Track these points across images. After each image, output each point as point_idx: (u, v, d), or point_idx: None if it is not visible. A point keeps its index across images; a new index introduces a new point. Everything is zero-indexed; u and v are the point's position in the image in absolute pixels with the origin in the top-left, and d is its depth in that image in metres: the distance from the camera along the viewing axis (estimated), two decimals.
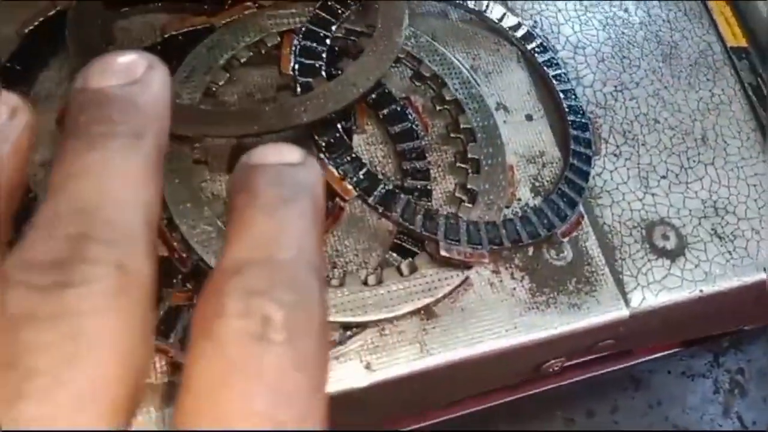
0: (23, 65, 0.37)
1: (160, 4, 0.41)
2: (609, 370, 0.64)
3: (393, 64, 0.39)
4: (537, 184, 0.41)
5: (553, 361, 0.43)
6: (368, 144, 0.40)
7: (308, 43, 0.38)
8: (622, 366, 0.65)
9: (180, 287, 0.33)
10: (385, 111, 0.39)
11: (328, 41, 0.38)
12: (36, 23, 0.38)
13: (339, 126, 0.36)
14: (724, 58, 0.51)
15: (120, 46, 0.38)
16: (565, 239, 0.39)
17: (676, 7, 0.52)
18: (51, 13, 0.39)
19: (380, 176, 0.37)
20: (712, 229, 0.43)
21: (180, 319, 0.32)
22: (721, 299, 0.41)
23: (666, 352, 0.69)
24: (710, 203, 0.44)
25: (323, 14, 0.39)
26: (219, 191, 0.36)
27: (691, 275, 0.41)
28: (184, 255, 0.33)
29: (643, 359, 0.68)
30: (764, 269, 0.42)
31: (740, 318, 0.49)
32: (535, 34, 0.46)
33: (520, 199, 0.41)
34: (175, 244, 0.33)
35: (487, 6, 0.46)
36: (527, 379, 0.45)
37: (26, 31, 0.38)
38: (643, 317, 0.39)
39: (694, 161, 0.45)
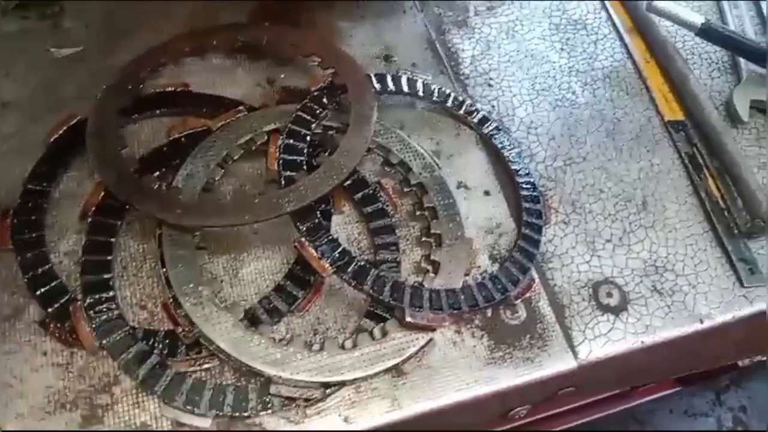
0: (50, 167, 0.44)
1: (165, 110, 0.48)
2: (612, 411, 0.68)
3: (365, 154, 0.46)
4: (494, 252, 0.47)
5: (518, 409, 0.48)
6: (346, 223, 0.46)
7: (291, 141, 0.44)
8: (624, 407, 0.69)
9: (183, 356, 0.39)
10: (360, 194, 0.46)
11: (308, 138, 0.45)
12: (60, 131, 0.45)
13: (318, 212, 0.43)
14: (662, 131, 0.57)
15: (130, 148, 0.45)
16: (519, 301, 0.45)
17: (618, 87, 0.60)
18: (73, 122, 0.46)
19: (354, 253, 0.43)
20: (653, 286, 0.49)
21: (184, 383, 0.37)
22: (662, 348, 0.46)
23: (667, 392, 0.73)
24: (651, 262, 0.50)
25: (304, 115, 0.46)
26: (217, 272, 0.42)
27: (633, 328, 0.47)
28: (187, 329, 0.39)
29: (645, 399, 0.72)
30: (700, 320, 0.48)
31: (688, 363, 0.54)
32: (491, 119, 0.53)
33: (479, 266, 0.47)
34: (179, 319, 0.39)
35: (448, 96, 0.53)
36: (497, 424, 0.50)
37: (52, 139, 0.45)
38: (591, 367, 0.45)
39: (635, 225, 0.51)
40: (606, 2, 0.66)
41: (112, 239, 0.41)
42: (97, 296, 0.39)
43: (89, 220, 0.41)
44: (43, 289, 0.38)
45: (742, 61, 0.62)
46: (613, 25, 0.64)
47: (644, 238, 0.51)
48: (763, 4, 0.68)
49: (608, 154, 0.55)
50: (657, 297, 0.48)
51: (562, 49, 0.61)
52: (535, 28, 0.62)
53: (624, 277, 0.49)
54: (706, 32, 0.60)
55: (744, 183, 0.53)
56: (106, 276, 0.40)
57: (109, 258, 0.40)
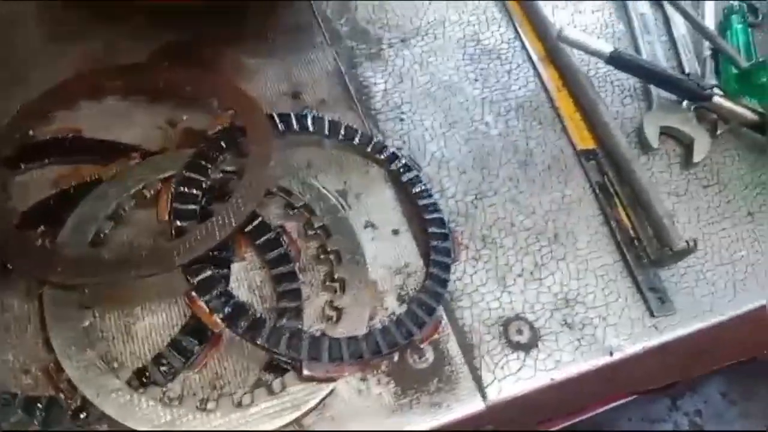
0: None
1: (56, 158, 0.46)
2: (569, 423, 0.67)
3: (263, 198, 0.45)
4: (402, 293, 0.47)
5: None
6: (247, 270, 0.45)
7: (183, 189, 0.43)
8: (581, 418, 0.68)
9: (68, 424, 0.36)
10: (261, 240, 0.45)
11: (204, 185, 0.44)
12: None
13: (212, 263, 0.41)
14: (574, 160, 0.58)
15: (16, 200, 0.43)
16: (426, 343, 0.44)
17: (531, 117, 0.60)
18: None
19: (255, 303, 0.42)
20: (563, 320, 0.49)
21: None
22: (573, 384, 0.46)
23: (624, 400, 0.72)
24: (561, 296, 0.50)
25: (199, 160, 0.45)
26: (108, 331, 0.40)
27: (543, 365, 0.46)
28: (70, 395, 0.36)
29: (603, 409, 0.71)
30: (610, 353, 0.48)
31: (603, 394, 0.55)
32: (400, 155, 0.53)
33: (387, 308, 0.46)
34: (61, 384, 0.37)
35: (356, 133, 0.52)
36: None
37: None
38: (501, 408, 0.44)
39: (547, 258, 0.51)
40: (520, 31, 0.66)
41: None
42: None
43: None
44: None
45: (653, 87, 0.63)
46: (527, 54, 0.65)
47: (555, 271, 0.51)
48: (674, 30, 0.69)
49: (520, 186, 0.55)
50: (567, 331, 0.48)
51: (476, 80, 0.61)
52: (449, 59, 0.62)
53: (535, 312, 0.49)
54: (615, 60, 0.61)
55: (653, 210, 0.54)
56: None
57: None
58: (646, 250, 0.53)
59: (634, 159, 0.57)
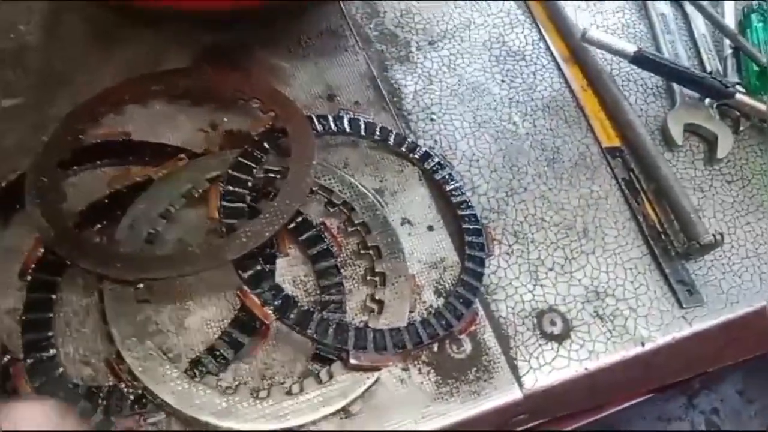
0: None
1: (106, 160, 0.48)
2: (585, 422, 0.69)
3: (309, 195, 0.47)
4: (439, 286, 0.48)
5: None
6: (291, 265, 0.47)
7: (231, 188, 0.45)
8: (596, 417, 0.70)
9: (129, 411, 0.38)
10: (304, 236, 0.47)
11: (249, 184, 0.46)
12: (1, 186, 0.45)
13: (261, 258, 0.43)
14: (600, 157, 0.59)
15: (71, 201, 0.45)
16: (464, 335, 0.46)
17: (557, 116, 0.61)
18: (12, 178, 0.46)
19: (300, 296, 0.44)
20: (595, 312, 0.50)
21: None
22: (605, 374, 0.48)
23: (640, 399, 0.74)
24: (592, 288, 0.51)
25: (244, 161, 0.47)
26: (163, 323, 0.42)
27: (576, 355, 0.48)
28: (131, 384, 0.39)
29: (618, 408, 0.72)
30: (641, 344, 0.49)
31: (632, 386, 0.56)
32: (433, 154, 0.54)
33: (425, 302, 0.47)
34: (122, 374, 0.39)
35: (390, 133, 0.54)
36: None
37: None
38: (538, 396, 0.46)
39: (577, 252, 0.53)
40: (543, 32, 0.68)
41: (53, 296, 0.41)
42: (38, 355, 0.39)
43: (28, 278, 0.41)
44: None
45: (675, 85, 0.64)
46: (552, 55, 0.66)
47: (585, 265, 0.52)
48: (695, 29, 0.71)
49: (549, 183, 0.57)
50: (599, 322, 0.50)
51: (502, 81, 0.63)
52: (476, 61, 0.64)
53: (567, 304, 0.50)
54: (639, 60, 0.63)
55: (679, 206, 0.55)
56: (47, 334, 0.39)
57: (50, 315, 0.40)
58: (673, 243, 0.54)
59: (659, 156, 0.59)
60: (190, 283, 0.44)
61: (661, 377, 0.55)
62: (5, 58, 0.55)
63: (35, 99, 0.53)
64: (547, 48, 0.67)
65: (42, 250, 0.42)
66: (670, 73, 0.64)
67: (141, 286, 0.41)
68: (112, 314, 0.40)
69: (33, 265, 0.42)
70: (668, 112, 0.63)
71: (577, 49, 0.66)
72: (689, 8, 0.72)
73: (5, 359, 0.39)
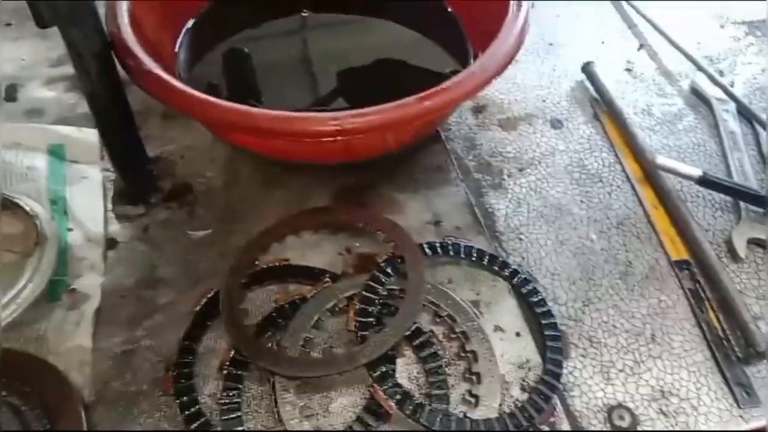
0: (195, 331, 0.62)
1: (272, 281, 0.65)
2: None
3: (420, 311, 0.61)
4: (524, 384, 0.60)
5: None
6: (407, 364, 0.61)
7: (363, 307, 0.60)
8: None
9: None
10: (417, 341, 0.61)
11: (377, 302, 0.61)
12: (201, 303, 0.64)
13: (385, 360, 0.58)
14: (669, 270, 0.69)
15: (252, 313, 0.63)
16: (544, 425, 0.57)
17: (630, 231, 0.72)
18: (210, 295, 0.64)
19: (413, 390, 0.58)
20: (659, 409, 0.60)
21: None
22: None
23: None
24: (658, 388, 0.61)
25: (372, 284, 0.62)
26: (314, 408, 0.58)
27: None
28: None
29: None
30: None
31: None
32: (520, 270, 0.67)
33: (512, 396, 0.60)
34: None
35: (484, 254, 0.68)
36: None
37: (197, 308, 0.63)
38: None
39: (645, 356, 0.63)
40: (619, 155, 0.80)
41: (241, 385, 0.58)
42: (232, 430, 0.55)
43: (224, 371, 0.58)
44: (194, 425, 0.55)
45: (741, 201, 0.73)
46: (626, 176, 0.78)
47: (652, 367, 0.62)
48: (763, 146, 0.80)
49: (621, 293, 0.67)
50: (663, 418, 0.59)
51: (581, 201, 0.75)
52: (559, 184, 0.77)
53: (634, 401, 0.60)
54: (704, 182, 0.73)
55: (739, 315, 0.64)
56: (238, 414, 0.56)
57: (238, 401, 0.57)
58: (734, 349, 0.63)
59: (722, 269, 0.68)
60: (333, 378, 0.59)
61: None
62: (198, 198, 0.75)
63: (220, 231, 0.72)
64: (623, 170, 0.79)
65: (233, 352, 0.59)
66: (733, 192, 0.73)
67: (300, 380, 0.57)
68: (280, 400, 0.56)
69: (227, 362, 0.59)
70: (733, 227, 0.72)
71: (649, 170, 0.78)
72: (758, 126, 0.81)
73: None
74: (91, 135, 0.80)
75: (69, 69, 0.87)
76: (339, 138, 0.59)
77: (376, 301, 0.61)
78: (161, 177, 0.76)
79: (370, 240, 0.70)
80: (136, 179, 0.74)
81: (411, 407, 0.55)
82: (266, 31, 0.86)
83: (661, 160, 0.74)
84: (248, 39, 0.84)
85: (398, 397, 0.56)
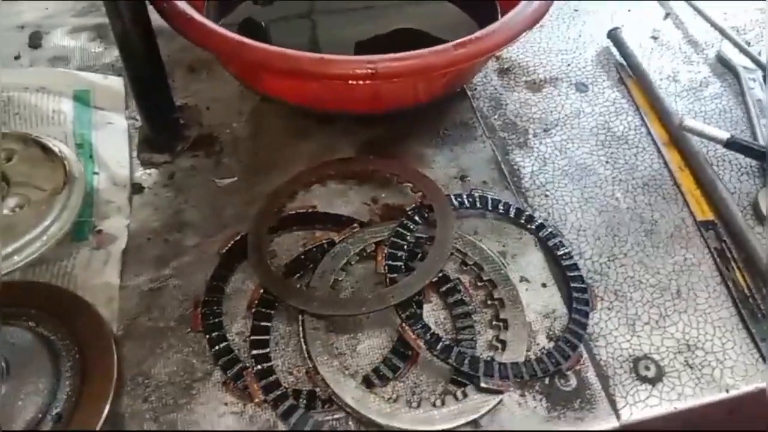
0: (223, 272, 0.62)
1: (299, 226, 0.65)
2: None
3: (448, 258, 0.61)
4: (550, 332, 0.61)
5: None
6: (433, 310, 0.61)
7: (392, 251, 0.61)
8: None
9: (320, 409, 0.54)
10: (444, 288, 0.61)
11: (405, 248, 0.61)
12: (228, 245, 0.64)
13: (414, 303, 0.58)
14: (694, 230, 0.69)
15: (279, 256, 0.63)
16: (570, 372, 0.57)
17: (655, 192, 0.72)
18: (237, 238, 0.64)
19: (441, 334, 0.58)
20: (685, 361, 0.60)
21: (321, 429, 0.52)
22: (692, 414, 0.57)
23: None
24: (683, 342, 0.61)
25: (400, 230, 0.62)
26: (341, 348, 0.58)
27: (668, 396, 0.58)
28: (323, 390, 0.54)
29: None
30: (726, 390, 0.58)
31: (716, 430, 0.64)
32: (547, 225, 0.67)
33: (538, 344, 0.60)
34: (318, 383, 0.54)
35: (510, 207, 0.68)
36: None
37: (223, 251, 0.63)
38: (632, 429, 0.56)
39: (670, 311, 0.63)
40: (645, 119, 0.80)
41: (269, 324, 0.58)
42: (261, 366, 0.55)
43: (253, 310, 0.58)
44: (223, 360, 0.55)
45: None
46: (652, 139, 0.78)
47: (678, 321, 0.62)
48: None
49: (646, 250, 0.67)
50: (689, 370, 0.59)
51: (606, 162, 0.75)
52: (584, 145, 0.77)
53: (660, 353, 0.60)
54: (731, 145, 0.73)
55: (764, 275, 0.64)
56: (266, 351, 0.56)
57: (267, 338, 0.57)
58: (759, 307, 0.63)
59: (749, 229, 0.68)
60: (361, 320, 0.59)
61: (744, 424, 0.63)
62: (224, 147, 0.75)
63: (246, 180, 0.72)
64: (648, 133, 0.78)
65: (261, 292, 0.59)
66: (760, 156, 0.73)
67: (328, 320, 0.57)
68: (310, 338, 0.56)
69: (256, 302, 0.59)
70: (760, 190, 0.72)
71: (675, 134, 0.77)
72: None
73: (238, 367, 0.56)
74: (116, 83, 0.80)
75: (93, 19, 0.88)
76: (373, 81, 0.59)
77: (405, 246, 0.62)
78: (188, 126, 0.76)
79: (396, 191, 0.70)
80: (162, 127, 0.74)
81: (439, 348, 0.55)
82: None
83: (689, 121, 0.74)
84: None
85: (428, 337, 0.56)
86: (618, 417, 0.56)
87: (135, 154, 0.74)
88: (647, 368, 0.59)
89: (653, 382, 0.58)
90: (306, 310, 0.57)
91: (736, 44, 0.87)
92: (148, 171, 0.73)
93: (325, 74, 0.59)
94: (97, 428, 0.50)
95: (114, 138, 0.75)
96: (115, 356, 0.54)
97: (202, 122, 0.77)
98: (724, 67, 0.87)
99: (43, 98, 0.75)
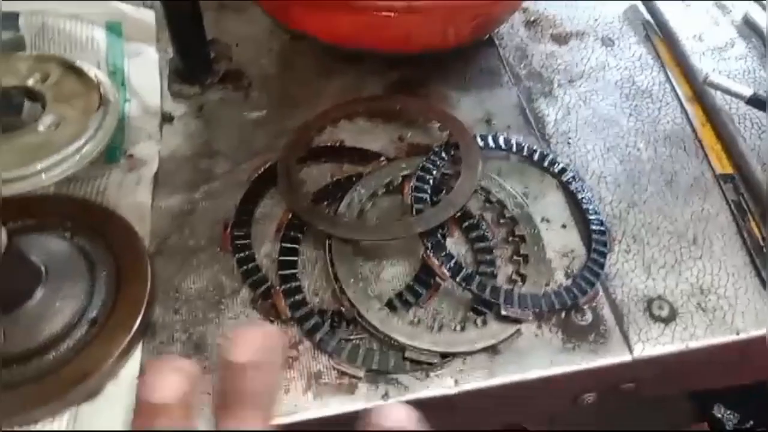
0: (252, 197, 0.64)
1: (327, 159, 0.67)
2: None
3: (472, 194, 0.63)
4: (568, 270, 0.62)
5: (586, 395, 0.61)
6: (456, 244, 0.63)
7: (419, 184, 0.62)
8: None
9: (345, 329, 0.56)
10: (467, 223, 0.63)
11: (431, 182, 0.63)
12: (258, 173, 0.65)
13: (439, 234, 0.59)
14: (713, 182, 0.71)
15: (307, 186, 0.64)
16: (586, 306, 0.59)
17: (676, 145, 0.73)
18: (267, 165, 0.66)
19: (463, 264, 0.59)
20: (698, 304, 0.62)
21: (346, 346, 0.54)
22: (703, 354, 0.59)
23: None
24: (697, 286, 0.63)
25: (427, 165, 0.64)
26: (366, 273, 0.60)
27: (680, 335, 0.60)
28: (349, 310, 0.56)
29: None
30: (737, 333, 0.60)
31: (728, 372, 0.66)
32: (569, 169, 0.68)
33: (556, 280, 0.61)
34: (344, 303, 0.56)
35: (535, 151, 0.69)
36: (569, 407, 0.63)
37: (253, 177, 0.65)
38: (644, 362, 0.58)
39: (686, 256, 0.65)
40: (670, 74, 0.80)
41: (297, 246, 0.59)
42: (288, 285, 0.57)
43: (281, 233, 0.60)
44: (251, 279, 0.57)
45: None
46: (676, 94, 0.79)
47: (692, 267, 0.64)
48: None
49: (665, 199, 0.69)
50: (701, 313, 0.61)
51: (630, 114, 0.76)
52: (608, 97, 0.78)
53: (674, 295, 0.62)
54: (754, 101, 0.74)
55: None
56: (293, 271, 0.58)
57: (295, 259, 0.59)
58: None
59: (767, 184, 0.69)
60: (386, 248, 0.61)
61: (755, 367, 0.65)
62: (253, 82, 0.76)
63: (275, 114, 0.73)
64: (672, 89, 0.79)
65: (289, 216, 0.61)
66: None
67: (354, 245, 0.59)
68: (337, 262, 0.57)
69: (284, 226, 0.60)
70: None
71: (699, 90, 0.78)
72: None
73: (265, 286, 0.57)
74: (147, 15, 0.81)
75: None
76: (406, 15, 0.60)
77: (431, 181, 0.63)
78: (217, 59, 0.77)
79: (422, 130, 0.71)
80: (193, 60, 0.75)
81: (462, 276, 0.57)
82: None
83: (713, 76, 0.75)
84: None
85: (451, 264, 0.57)
86: (631, 351, 0.58)
87: (165, 85, 0.75)
88: (661, 308, 0.61)
89: (666, 321, 0.60)
90: (333, 234, 0.59)
91: (763, 7, 0.87)
92: (177, 102, 0.74)
93: (363, 6, 0.60)
94: (131, 333, 0.52)
95: (145, 68, 0.76)
96: (149, 266, 0.56)
97: (232, 57, 0.78)
98: (750, 29, 0.87)
99: (77, 25, 0.76)
